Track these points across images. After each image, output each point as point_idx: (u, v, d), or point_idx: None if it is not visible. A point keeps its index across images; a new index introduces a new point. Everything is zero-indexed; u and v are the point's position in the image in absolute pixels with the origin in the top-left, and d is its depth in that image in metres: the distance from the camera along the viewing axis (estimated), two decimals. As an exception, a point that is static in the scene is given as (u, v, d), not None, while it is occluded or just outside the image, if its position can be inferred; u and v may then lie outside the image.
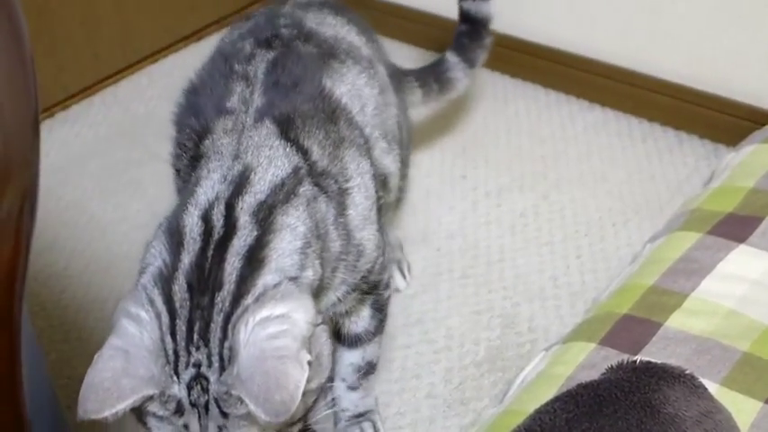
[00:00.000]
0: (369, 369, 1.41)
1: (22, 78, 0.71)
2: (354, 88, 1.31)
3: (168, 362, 1.01)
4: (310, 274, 1.09)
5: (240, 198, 1.09)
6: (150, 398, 1.00)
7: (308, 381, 0.99)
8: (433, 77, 1.84)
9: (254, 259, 1.05)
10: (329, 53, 1.33)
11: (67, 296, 1.81)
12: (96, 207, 2.03)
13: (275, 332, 0.99)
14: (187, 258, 1.05)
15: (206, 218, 1.08)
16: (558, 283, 1.78)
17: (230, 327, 1.00)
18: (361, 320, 1.35)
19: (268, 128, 1.17)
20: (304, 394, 0.98)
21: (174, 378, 1.00)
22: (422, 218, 1.96)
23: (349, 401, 1.44)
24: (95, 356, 1.00)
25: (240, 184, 1.11)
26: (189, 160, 1.21)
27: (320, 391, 1.09)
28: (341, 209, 1.20)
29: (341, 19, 1.43)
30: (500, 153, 2.13)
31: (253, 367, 0.97)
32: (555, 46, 2.27)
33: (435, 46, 2.14)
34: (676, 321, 1.25)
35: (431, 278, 1.81)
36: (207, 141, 1.18)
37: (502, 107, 2.28)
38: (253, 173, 1.12)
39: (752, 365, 1.17)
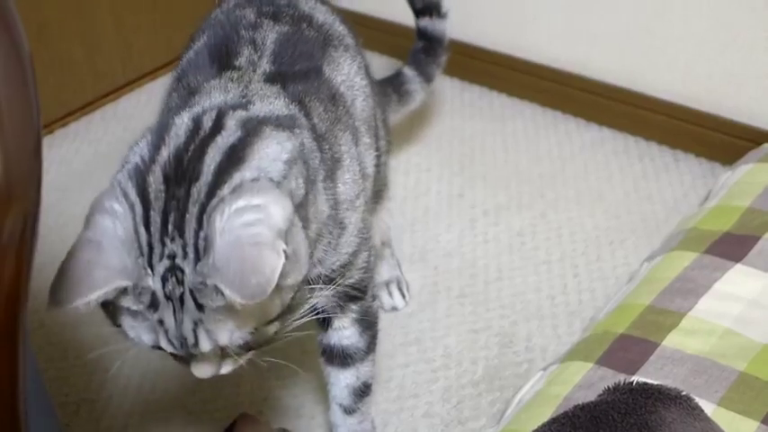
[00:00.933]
0: (365, 390, 1.40)
1: (23, 99, 0.71)
2: (348, 78, 1.32)
3: (142, 253, 0.98)
4: (293, 186, 1.05)
5: (233, 110, 1.08)
6: (124, 291, 0.98)
7: (285, 275, 0.96)
8: (392, 89, 1.87)
9: (235, 156, 1.02)
10: (326, 40, 1.33)
11: (65, 313, 1.81)
12: (95, 224, 2.04)
13: (251, 220, 0.96)
14: (166, 152, 1.03)
15: (196, 120, 1.06)
16: (555, 301, 1.78)
17: (205, 217, 0.97)
18: (348, 332, 1.34)
19: (276, 89, 1.17)
20: (281, 288, 0.97)
21: (149, 270, 0.98)
22: (420, 236, 1.97)
23: (346, 428, 1.43)
24: (69, 249, 0.97)
25: (238, 104, 1.10)
26: (187, 95, 1.18)
27: (299, 293, 1.05)
28: (331, 174, 1.18)
29: (326, 7, 1.44)
30: (498, 172, 2.14)
31: (228, 254, 0.95)
32: (553, 65, 2.28)
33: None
34: (673, 341, 1.26)
35: (429, 297, 1.81)
36: (213, 81, 1.17)
37: (500, 126, 2.29)
38: (252, 105, 1.11)
39: (749, 385, 1.18)
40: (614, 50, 2.18)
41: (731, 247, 1.41)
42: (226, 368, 1.06)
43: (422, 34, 1.92)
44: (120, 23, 2.43)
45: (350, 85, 1.31)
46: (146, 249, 0.98)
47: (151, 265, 0.98)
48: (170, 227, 0.98)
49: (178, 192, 1.00)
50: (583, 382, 1.24)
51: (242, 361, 1.06)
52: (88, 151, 2.30)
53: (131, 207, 0.99)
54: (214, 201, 0.98)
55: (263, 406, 1.61)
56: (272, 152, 1.04)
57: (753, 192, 1.54)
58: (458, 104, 2.38)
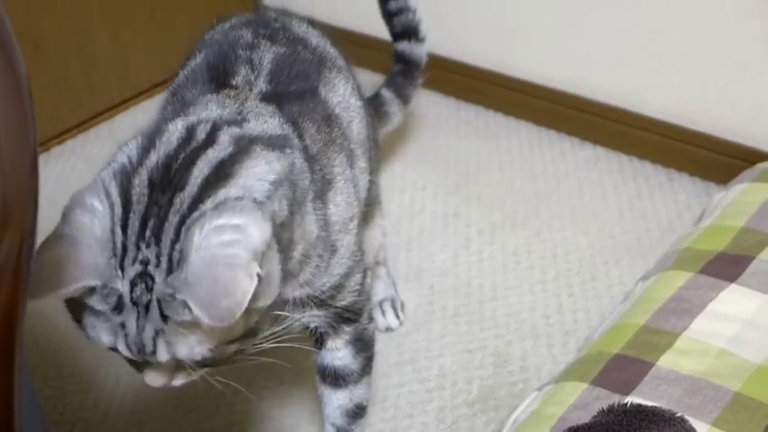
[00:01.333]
0: (358, 412, 1.39)
1: (20, 118, 0.71)
2: (344, 99, 1.32)
3: (115, 254, 0.98)
4: (275, 207, 1.04)
5: (228, 127, 1.08)
6: (92, 290, 0.97)
7: (255, 298, 0.95)
8: (372, 110, 1.86)
9: (223, 171, 1.02)
10: (321, 61, 1.34)
11: (61, 332, 1.81)
12: (90, 242, 2.03)
13: (228, 240, 0.95)
14: (155, 156, 1.02)
15: (190, 129, 1.06)
16: (550, 321, 1.78)
17: (184, 229, 0.97)
18: (341, 354, 1.33)
19: (271, 109, 1.17)
20: (248, 311, 0.96)
21: (119, 272, 0.97)
22: (415, 255, 1.97)
23: None
24: (44, 240, 0.97)
25: (233, 120, 1.10)
26: (182, 107, 1.18)
27: (265, 317, 1.05)
28: (322, 195, 1.18)
29: (318, 31, 1.45)
30: (493, 190, 2.14)
31: (202, 272, 0.94)
32: (547, 85, 2.29)
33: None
34: (668, 361, 1.26)
35: (424, 316, 1.81)
36: (210, 96, 1.17)
37: (494, 145, 2.29)
38: (246, 122, 1.11)
39: (743, 405, 1.18)
40: (609, 70, 2.19)
41: (726, 267, 1.42)
42: (178, 380, 1.05)
43: (399, 58, 1.94)
44: (117, 41, 2.43)
45: (346, 107, 1.31)
46: (119, 251, 0.98)
47: (122, 268, 0.98)
48: (147, 232, 0.98)
49: (161, 198, 0.99)
50: (578, 402, 1.24)
51: (195, 376, 1.05)
52: (84, 168, 2.30)
53: (111, 206, 0.99)
54: (195, 214, 0.98)
55: (258, 425, 1.61)
56: (259, 171, 1.04)
57: (747, 211, 1.55)
58: (453, 123, 2.38)
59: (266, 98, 1.19)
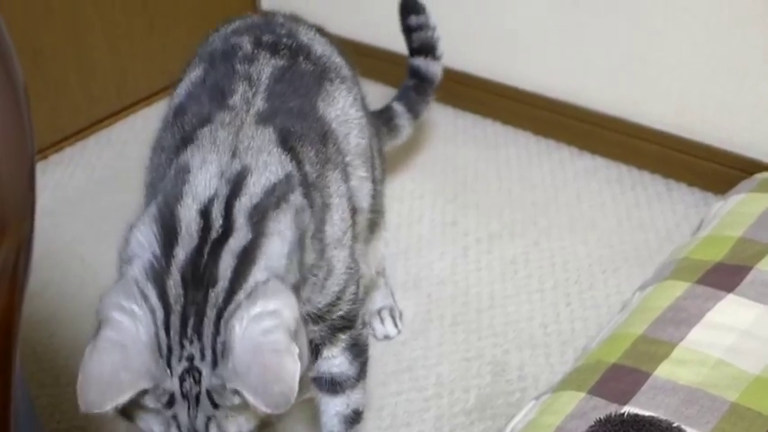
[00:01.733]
0: (355, 417, 1.40)
1: (17, 127, 0.71)
2: (343, 112, 1.33)
3: (162, 355, 1.02)
4: (292, 279, 1.11)
5: (238, 200, 1.10)
6: (145, 391, 1.02)
7: None
8: (382, 122, 1.88)
9: (248, 258, 1.07)
10: (323, 73, 1.34)
11: (58, 340, 1.81)
12: (88, 250, 2.03)
13: (268, 327, 1.01)
14: (182, 254, 1.06)
15: (205, 214, 1.09)
16: (547, 330, 1.78)
17: (223, 322, 1.02)
18: (337, 361, 1.35)
19: (268, 134, 1.18)
20: None
21: (168, 371, 1.02)
22: (413, 264, 1.97)
23: None
24: (87, 348, 1.01)
25: (237, 183, 1.12)
26: (180, 141, 1.20)
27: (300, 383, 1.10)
28: (321, 224, 1.21)
29: (326, 38, 1.45)
30: (491, 199, 2.14)
31: (249, 361, 1.00)
32: (546, 94, 2.29)
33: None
34: (665, 371, 1.26)
35: (421, 325, 1.81)
36: (205, 129, 1.19)
37: (493, 154, 2.29)
38: (249, 174, 1.13)
39: (740, 416, 1.18)
40: (608, 80, 2.19)
41: (723, 277, 1.41)
42: None
43: (414, 73, 1.95)
44: (115, 49, 2.44)
45: (343, 120, 1.32)
46: (165, 351, 1.03)
47: (170, 366, 1.02)
48: (189, 330, 1.03)
49: (197, 296, 1.04)
50: (575, 411, 1.24)
51: None
52: (82, 176, 2.30)
53: (152, 311, 1.04)
54: (231, 306, 1.03)
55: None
56: (276, 250, 1.09)
57: (745, 222, 1.55)
58: (451, 132, 2.39)
59: (263, 119, 1.20)
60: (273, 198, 1.12)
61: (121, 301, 1.04)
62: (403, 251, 2.00)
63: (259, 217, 1.10)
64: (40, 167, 2.28)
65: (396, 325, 1.79)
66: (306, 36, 1.40)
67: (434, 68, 1.94)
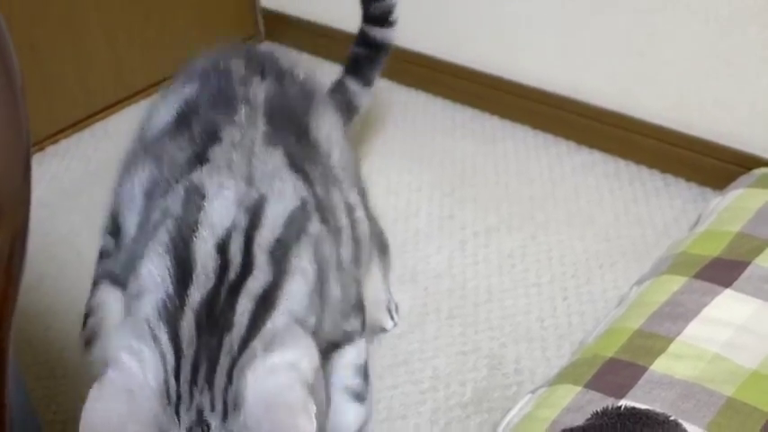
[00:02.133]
0: (367, 372, 1.39)
1: (12, 116, 0.71)
2: (328, 133, 1.33)
3: (170, 403, 0.98)
4: (313, 321, 1.07)
5: (258, 232, 1.07)
6: None
7: None
8: (338, 101, 1.83)
9: (267, 301, 1.03)
10: (307, 96, 1.34)
11: (53, 332, 1.80)
12: (84, 243, 2.03)
13: (285, 381, 0.97)
14: (197, 294, 1.02)
15: (223, 250, 1.05)
16: (544, 324, 1.78)
17: (236, 371, 0.98)
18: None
19: (279, 157, 1.16)
20: None
21: (176, 420, 0.98)
22: (410, 257, 1.97)
23: None
24: (93, 389, 0.97)
25: (256, 214, 1.08)
26: (193, 156, 1.17)
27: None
28: (337, 248, 1.19)
29: (301, 66, 1.45)
30: (488, 193, 2.14)
31: (261, 417, 0.96)
32: (545, 88, 2.28)
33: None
34: (662, 365, 1.26)
35: (418, 318, 1.81)
36: (216, 148, 1.16)
37: (491, 148, 2.29)
38: (267, 204, 1.10)
39: (736, 410, 1.18)
40: (606, 74, 2.18)
41: (721, 272, 1.41)
42: None
43: (366, 41, 1.89)
44: (113, 41, 2.43)
45: (328, 139, 1.33)
46: (174, 399, 0.99)
47: (178, 415, 0.98)
48: (200, 379, 0.99)
49: (210, 341, 0.99)
50: (571, 405, 1.24)
51: None
52: (78, 168, 2.30)
53: (162, 355, 0.99)
54: (247, 354, 0.98)
55: None
56: (298, 290, 1.05)
57: (743, 217, 1.55)
58: (449, 125, 2.38)
59: (271, 141, 1.18)
60: (293, 230, 1.09)
61: (131, 342, 1.00)
62: (399, 244, 1.99)
63: (280, 254, 1.06)
64: (37, 159, 2.27)
65: (392, 318, 1.79)
66: (285, 62, 1.40)
67: (389, 35, 1.88)
